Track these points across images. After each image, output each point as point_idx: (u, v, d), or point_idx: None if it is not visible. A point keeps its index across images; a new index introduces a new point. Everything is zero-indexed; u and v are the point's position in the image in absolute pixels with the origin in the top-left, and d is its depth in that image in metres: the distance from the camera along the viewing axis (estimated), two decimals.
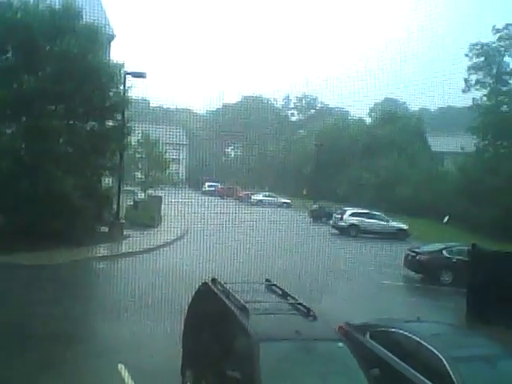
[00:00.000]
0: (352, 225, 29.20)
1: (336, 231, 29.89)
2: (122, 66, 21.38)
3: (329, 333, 7.24)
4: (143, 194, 31.27)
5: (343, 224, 29.50)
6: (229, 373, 6.36)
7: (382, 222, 29.68)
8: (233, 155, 54.16)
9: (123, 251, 20.37)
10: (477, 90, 41.01)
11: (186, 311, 8.67)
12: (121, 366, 9.02)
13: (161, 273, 15.91)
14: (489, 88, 41.54)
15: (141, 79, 22.42)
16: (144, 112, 37.15)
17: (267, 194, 41.04)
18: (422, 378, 7.17)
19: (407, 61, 30.30)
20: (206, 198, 36.09)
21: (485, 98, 41.13)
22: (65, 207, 18.10)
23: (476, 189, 30.16)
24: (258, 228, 23.80)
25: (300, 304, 7.62)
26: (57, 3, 19.47)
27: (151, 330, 10.80)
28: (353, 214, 29.78)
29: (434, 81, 30.88)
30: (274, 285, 8.59)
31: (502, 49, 40.12)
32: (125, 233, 22.45)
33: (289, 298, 7.95)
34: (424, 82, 30.38)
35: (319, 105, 53.05)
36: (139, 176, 33.44)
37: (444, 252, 19.72)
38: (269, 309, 7.45)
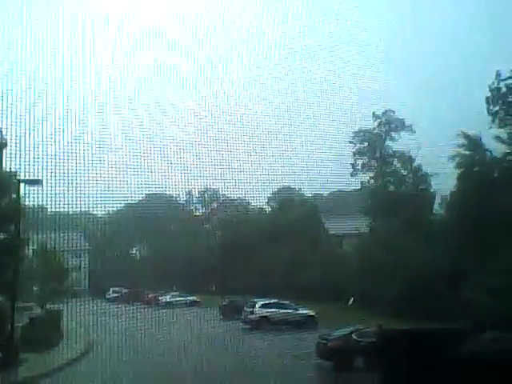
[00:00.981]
0: (262, 317, 29.12)
1: (247, 326, 29.54)
2: (15, 174, 20.82)
3: None
4: (40, 309, 29.27)
5: (253, 317, 29.33)
6: None
7: (292, 311, 29.97)
8: (138, 256, 52.91)
9: (20, 378, 18.71)
10: (363, 173, 44.33)
11: None
12: None
13: None
14: (375, 171, 45.13)
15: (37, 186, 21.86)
16: (41, 220, 35.81)
17: (175, 293, 40.07)
18: None
19: (297, 149, 32.25)
20: (111, 306, 34.57)
21: (372, 181, 44.48)
22: None
23: (373, 267, 31.65)
24: (166, 332, 23.08)
25: None
26: None
27: None
28: (263, 306, 29.83)
29: (324, 167, 32.98)
30: None
31: (383, 133, 44.21)
32: (20, 356, 20.72)
33: None
34: (315, 170, 32.34)
35: (221, 198, 54.14)
36: (35, 289, 31.47)
37: (353, 336, 20.15)
38: None
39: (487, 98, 35.95)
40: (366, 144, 44.46)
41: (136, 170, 27.97)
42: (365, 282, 31.63)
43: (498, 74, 35.49)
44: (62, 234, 36.42)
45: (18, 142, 21.51)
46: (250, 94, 30.81)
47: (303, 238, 38.21)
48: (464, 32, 35.59)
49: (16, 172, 20.97)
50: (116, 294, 41.54)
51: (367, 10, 33.93)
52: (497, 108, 35.90)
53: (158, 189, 41.35)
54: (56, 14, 24.42)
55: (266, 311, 29.48)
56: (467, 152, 34.97)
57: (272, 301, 30.71)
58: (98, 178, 26.57)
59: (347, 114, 33.82)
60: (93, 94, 25.87)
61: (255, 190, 31.29)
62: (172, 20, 28.56)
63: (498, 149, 34.47)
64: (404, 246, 32.26)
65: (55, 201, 24.32)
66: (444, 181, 35.96)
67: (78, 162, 24.89)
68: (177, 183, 30.76)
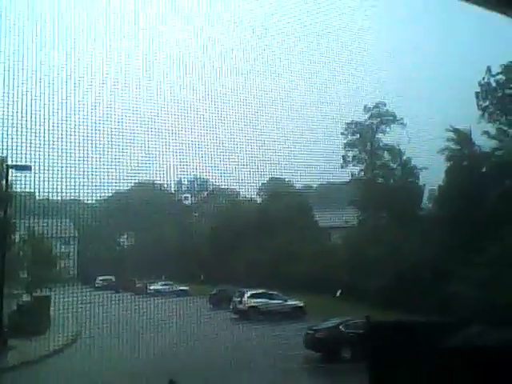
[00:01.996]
0: (251, 307, 29.28)
1: (236, 316, 29.69)
2: (4, 159, 20.63)
3: None
4: (29, 296, 29.15)
5: (242, 307, 29.48)
6: None
7: (280, 302, 30.18)
8: (127, 244, 52.79)
9: (8, 365, 18.72)
10: (354, 165, 44.46)
11: None
12: None
13: None
14: (365, 163, 45.28)
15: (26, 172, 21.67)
16: (29, 206, 35.58)
17: (164, 282, 40.08)
18: None
19: (287, 139, 32.28)
20: (99, 293, 34.47)
21: (362, 173, 44.64)
22: None
23: (361, 260, 31.93)
24: (155, 322, 23.12)
25: None
26: None
27: None
28: (251, 296, 29.98)
29: (314, 159, 33.07)
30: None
31: (374, 126, 44.33)
32: (9, 343, 20.69)
33: None
34: (305, 161, 32.45)
35: (210, 187, 54.02)
36: (24, 276, 31.32)
37: (341, 327, 20.37)
38: None
39: (477, 93, 36.27)
40: (357, 136, 44.64)
41: (125, 157, 27.84)
42: (353, 274, 31.90)
43: (488, 70, 35.74)
44: (50, 221, 36.27)
45: (6, 126, 21.32)
46: (239, 85, 30.67)
47: (292, 230, 38.40)
48: (455, 27, 35.65)
49: (4, 157, 20.74)
50: (105, 282, 41.46)
51: (360, 3, 33.88)
52: (486, 103, 36.23)
53: (147, 177, 41.25)
54: None
55: (254, 301, 29.66)
56: (456, 146, 35.33)
57: (261, 291, 30.87)
58: (88, 165, 26.43)
59: (338, 105, 33.95)
60: (84, 81, 25.64)
61: (245, 180, 31.28)
62: None
63: (486, 144, 34.92)
64: (392, 238, 32.53)
65: (44, 187, 24.20)
66: (433, 174, 36.31)
67: (67, 148, 24.75)
68: (166, 172, 30.68)
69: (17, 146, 21.47)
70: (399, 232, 32.71)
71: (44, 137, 23.78)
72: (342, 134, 42.32)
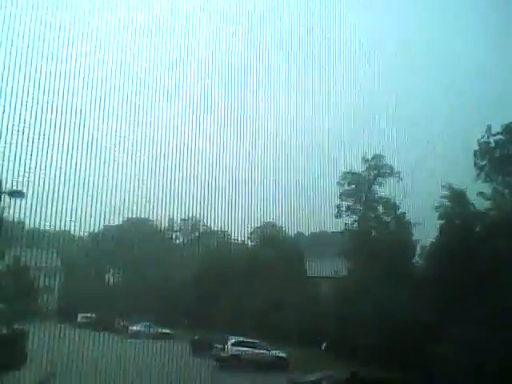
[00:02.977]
0: (233, 356, 28.51)
1: (217, 363, 28.80)
2: None
3: None
4: (6, 329, 28.30)
5: (224, 355, 28.69)
6: None
7: (263, 351, 29.46)
8: (112, 281, 51.94)
9: None
10: (348, 215, 44.35)
11: None
12: None
13: None
14: (359, 214, 45.14)
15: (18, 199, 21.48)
16: (17, 234, 35.12)
17: (146, 323, 39.13)
18: None
19: (284, 185, 32.38)
20: (80, 331, 33.55)
21: (355, 224, 44.47)
22: None
23: (349, 313, 31.36)
24: (133, 365, 22.43)
25: None
26: None
27: None
28: (234, 344, 29.26)
29: (309, 206, 33.11)
30: None
31: (371, 177, 44.44)
32: None
33: None
34: (299, 207, 32.45)
35: (203, 227, 53.62)
36: (2, 307, 30.48)
37: (323, 382, 19.92)
38: None
39: (475, 152, 36.45)
40: (353, 186, 44.69)
41: (118, 192, 27.80)
42: (340, 326, 31.32)
43: (488, 129, 36.08)
44: (36, 252, 35.71)
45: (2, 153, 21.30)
46: (242, 126, 30.91)
47: (281, 277, 37.88)
48: (458, 85, 36.32)
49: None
50: (86, 320, 40.46)
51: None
52: (484, 162, 36.37)
53: (139, 213, 41.02)
54: None
55: (236, 349, 28.92)
56: (450, 204, 35.31)
57: (243, 339, 30.16)
58: (80, 197, 26.34)
59: (337, 154, 34.22)
60: (75, 108, 25.75)
61: (238, 222, 31.10)
62: None
63: (481, 203, 34.87)
64: (381, 292, 32.07)
65: (34, 216, 23.98)
66: (426, 230, 36.14)
67: (60, 179, 24.68)
68: (159, 209, 30.54)
69: (12, 171, 21.46)
70: (388, 286, 32.31)
71: (38, 164, 23.80)
72: (338, 183, 42.46)
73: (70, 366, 21.44)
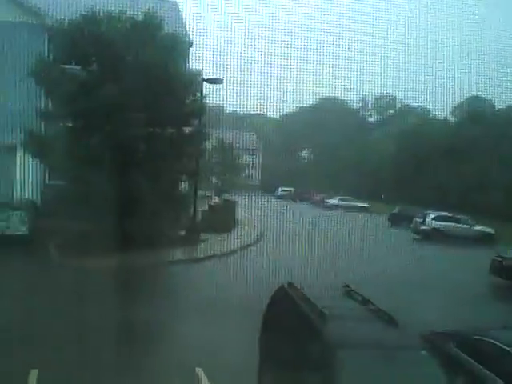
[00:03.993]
0: (435, 229, 27.73)
1: (417, 236, 28.61)
2: (200, 73, 21.75)
3: (411, 341, 6.92)
4: (218, 199, 31.73)
5: (425, 228, 28.11)
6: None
7: (467, 227, 28.14)
8: (307, 159, 53.74)
9: (201, 255, 20.73)
10: None
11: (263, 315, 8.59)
12: (198, 370, 9.12)
13: (239, 276, 16.03)
14: None
15: (216, 85, 22.77)
16: (219, 118, 37.77)
17: (343, 197, 40.19)
18: None
19: (491, 56, 28.55)
20: (280, 202, 35.99)
21: None
22: (145, 211, 18.68)
23: None
24: (334, 233, 23.32)
25: (381, 311, 7.32)
26: (139, 16, 20.18)
27: (230, 332, 10.82)
28: (435, 218, 28.35)
29: None
30: (352, 290, 8.31)
31: None
32: (201, 237, 22.82)
33: (369, 304, 7.66)
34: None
35: (399, 104, 51.30)
36: (214, 181, 34.01)
37: None
38: (348, 315, 7.21)
39: None
40: None
41: (310, 73, 27.56)
42: None
43: None
44: (237, 133, 38.36)
45: (202, 42, 22.24)
46: None
47: (491, 155, 34.58)
48: None
49: (200, 71, 21.78)
50: (285, 193, 43.34)
51: None
52: None
53: (330, 93, 40.57)
54: None
55: (438, 223, 28.03)
56: None
57: (446, 214, 29.06)
58: (273, 81, 26.72)
59: None
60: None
61: (439, 97, 28.77)
62: None
63: None
64: None
65: (233, 100, 25.28)
66: None
67: (255, 64, 25.21)
68: (351, 88, 29.69)
69: (210, 59, 22.47)
70: None
71: (235, 51, 24.54)
72: None
73: (274, 229, 23.13)
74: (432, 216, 28.45)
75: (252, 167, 43.52)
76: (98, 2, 20.15)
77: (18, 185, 23.17)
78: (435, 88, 27.96)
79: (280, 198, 41.28)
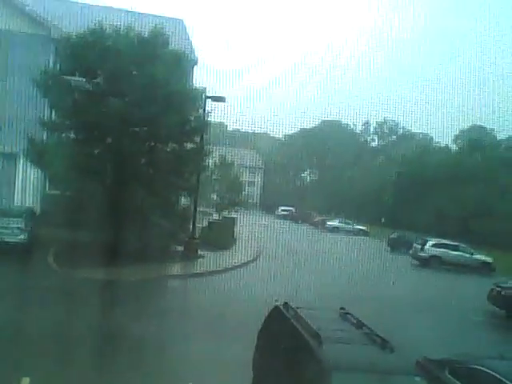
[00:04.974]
0: (433, 256, 27.63)
1: (416, 262, 28.52)
2: (204, 90, 21.89)
3: (406, 367, 6.84)
4: (218, 215, 31.66)
5: (424, 255, 27.99)
6: None
7: (466, 255, 28.02)
8: (308, 180, 53.85)
9: (197, 271, 20.59)
10: None
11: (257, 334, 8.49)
12: None
13: (234, 294, 15.90)
14: None
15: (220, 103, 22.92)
16: (221, 135, 37.89)
17: (343, 220, 40.15)
18: None
19: (494, 86, 28.77)
20: (280, 221, 35.96)
21: None
22: (144, 225, 18.61)
23: None
24: (332, 255, 23.29)
25: (376, 335, 7.25)
26: (146, 31, 20.36)
27: (222, 350, 10.66)
28: (435, 245, 28.26)
29: None
30: (348, 313, 8.25)
31: None
32: (199, 252, 22.70)
33: (364, 327, 7.59)
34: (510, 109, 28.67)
35: (401, 130, 51.64)
36: (214, 197, 33.96)
37: None
38: (343, 338, 7.12)
39: None
40: None
41: (314, 95, 27.81)
42: None
43: None
44: (239, 151, 38.48)
45: (208, 60, 22.46)
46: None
47: (491, 183, 34.66)
48: None
49: (204, 88, 21.94)
50: (285, 213, 43.30)
51: None
52: None
53: (334, 116, 40.79)
54: None
55: (437, 250, 27.96)
56: None
57: (446, 241, 28.99)
58: (278, 102, 26.90)
59: None
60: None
61: (441, 125, 28.95)
62: None
63: None
64: None
65: (235, 119, 25.48)
66: None
67: (260, 84, 25.44)
68: (354, 112, 29.98)
69: (214, 77, 22.66)
70: None
71: (239, 70, 24.75)
72: None
73: (272, 248, 23.06)
74: (431, 243, 28.37)
75: (253, 185, 43.58)
76: (106, 16, 20.38)
77: (18, 193, 23.19)
78: (437, 116, 28.14)
79: (280, 217, 41.24)
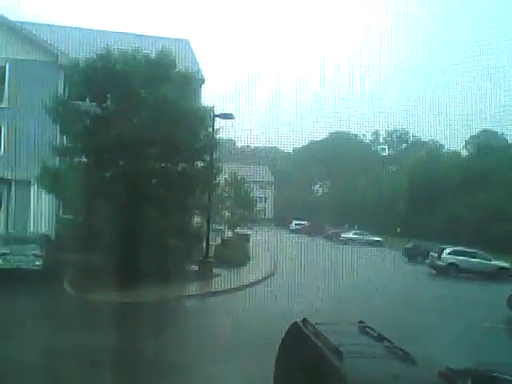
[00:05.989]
0: (451, 264, 27.32)
1: (433, 271, 28.20)
2: (212, 109, 22.02)
3: (429, 378, 6.69)
4: (231, 233, 31.60)
5: (441, 263, 27.69)
6: None
7: (483, 261, 27.65)
8: (320, 192, 53.70)
9: (214, 289, 20.49)
10: None
11: (276, 351, 8.39)
12: None
13: (252, 312, 15.78)
14: None
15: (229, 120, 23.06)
16: (231, 152, 37.99)
17: (357, 231, 39.90)
18: None
19: (504, 90, 28.68)
20: (294, 236, 35.79)
21: None
22: (157, 246, 18.60)
23: None
24: (349, 267, 23.06)
25: (397, 348, 7.12)
26: (153, 53, 20.61)
27: (241, 369, 10.56)
28: (451, 253, 27.94)
29: None
30: (368, 327, 8.12)
31: None
32: (214, 271, 22.60)
33: (385, 341, 7.46)
34: None
35: (411, 139, 51.44)
36: (227, 214, 33.96)
37: None
38: (364, 352, 7.00)
39: None
40: None
41: (322, 107, 27.92)
42: None
43: None
44: (249, 167, 38.55)
45: (215, 78, 22.66)
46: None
47: (503, 187, 34.36)
48: None
49: (212, 107, 22.09)
50: (298, 226, 43.11)
51: None
52: None
53: (343, 127, 40.76)
54: None
55: (454, 258, 27.63)
56: None
57: (462, 249, 28.66)
58: (286, 115, 27.01)
59: None
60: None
61: (451, 131, 28.78)
62: None
63: None
64: None
65: (244, 135, 25.57)
66: None
67: (267, 100, 25.58)
68: (364, 122, 29.98)
69: (222, 95, 22.80)
70: None
71: (246, 86, 24.94)
72: None
73: (289, 265, 22.91)
74: (448, 251, 28.05)
75: (265, 201, 43.54)
76: (114, 40, 20.66)
77: (32, 219, 23.35)
78: (447, 122, 28.01)
79: (293, 231, 41.06)
